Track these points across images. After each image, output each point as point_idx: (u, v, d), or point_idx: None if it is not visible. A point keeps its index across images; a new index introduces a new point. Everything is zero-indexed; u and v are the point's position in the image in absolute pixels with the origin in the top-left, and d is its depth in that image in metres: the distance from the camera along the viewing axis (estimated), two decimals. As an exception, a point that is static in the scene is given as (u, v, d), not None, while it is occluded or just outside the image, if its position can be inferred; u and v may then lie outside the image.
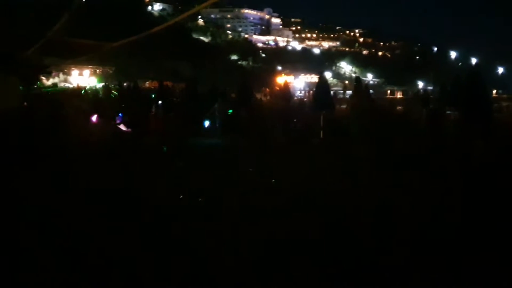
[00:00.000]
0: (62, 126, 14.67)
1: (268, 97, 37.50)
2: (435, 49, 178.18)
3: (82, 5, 10.13)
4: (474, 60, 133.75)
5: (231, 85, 41.91)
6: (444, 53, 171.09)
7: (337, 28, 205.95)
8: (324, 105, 15.01)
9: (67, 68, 50.67)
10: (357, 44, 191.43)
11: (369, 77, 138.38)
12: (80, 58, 23.92)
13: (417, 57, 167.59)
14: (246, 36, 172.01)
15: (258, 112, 20.78)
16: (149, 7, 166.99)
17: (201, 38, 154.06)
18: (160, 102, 23.43)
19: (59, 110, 18.98)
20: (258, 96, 34.26)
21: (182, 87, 34.86)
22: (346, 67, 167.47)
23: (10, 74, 20.75)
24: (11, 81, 21.64)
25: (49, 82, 48.82)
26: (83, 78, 52.93)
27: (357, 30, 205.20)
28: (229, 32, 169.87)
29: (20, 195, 7.02)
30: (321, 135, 14.51)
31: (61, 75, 55.19)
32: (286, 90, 22.41)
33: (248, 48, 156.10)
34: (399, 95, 74.93)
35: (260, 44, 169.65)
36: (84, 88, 40.17)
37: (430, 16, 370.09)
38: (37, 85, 33.24)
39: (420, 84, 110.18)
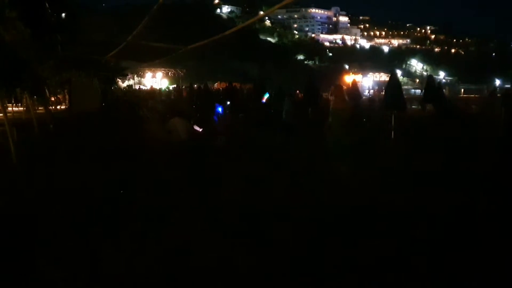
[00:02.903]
0: (138, 126, 15.43)
1: (335, 97, 36.81)
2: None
3: (159, 11, 10.64)
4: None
5: (298, 85, 41.87)
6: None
7: (407, 25, 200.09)
8: (395, 105, 14.61)
9: (142, 71, 52.89)
10: (428, 42, 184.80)
11: (442, 75, 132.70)
12: (154, 61, 25.00)
13: (493, 54, 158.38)
14: (313, 35, 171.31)
15: (326, 111, 20.56)
16: (218, 10, 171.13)
17: (268, 38, 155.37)
18: (228, 102, 23.85)
19: (135, 111, 19.99)
20: (325, 95, 33.87)
21: (250, 87, 35.27)
22: (417, 65, 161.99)
23: (93, 77, 22.23)
24: (94, 84, 23.17)
25: (124, 84, 51.29)
26: (156, 80, 55.02)
27: (428, 27, 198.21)
28: (295, 32, 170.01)
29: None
30: (392, 136, 14.15)
31: (135, 77, 57.80)
32: (354, 89, 21.98)
33: (315, 48, 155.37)
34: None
35: (327, 43, 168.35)
36: (159, 90, 41.78)
37: (507, 11, 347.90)
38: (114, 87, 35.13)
39: (497, 82, 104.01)
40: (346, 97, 9.19)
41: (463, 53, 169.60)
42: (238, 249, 5.07)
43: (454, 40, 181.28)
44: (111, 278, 4.37)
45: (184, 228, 5.77)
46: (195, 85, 35.85)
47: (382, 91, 47.67)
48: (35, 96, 15.06)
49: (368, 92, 63.25)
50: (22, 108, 25.99)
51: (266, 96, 23.60)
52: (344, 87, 39.99)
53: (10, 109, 24.54)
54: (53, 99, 32.91)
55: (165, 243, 5.26)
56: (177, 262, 4.75)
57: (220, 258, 4.81)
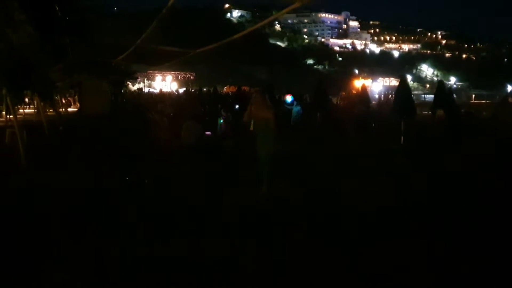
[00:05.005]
0: (147, 129, 15.46)
1: (345, 101, 36.85)
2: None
3: (168, 14, 10.63)
4: None
5: (307, 90, 41.83)
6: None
7: (418, 30, 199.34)
8: (405, 110, 14.50)
9: (151, 74, 53.26)
10: (439, 47, 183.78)
11: (453, 80, 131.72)
12: (164, 64, 25.07)
13: (505, 60, 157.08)
14: (323, 40, 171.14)
15: (335, 116, 20.56)
16: (228, 14, 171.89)
17: (278, 43, 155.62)
18: (237, 106, 23.78)
19: (144, 114, 20.01)
20: (335, 100, 33.83)
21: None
22: (427, 71, 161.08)
23: (102, 80, 22.33)
24: (103, 87, 23.26)
25: (134, 87, 51.68)
26: (165, 84, 55.36)
27: (439, 32, 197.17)
28: (305, 36, 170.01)
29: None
30: (402, 141, 14.05)
31: (145, 80, 58.23)
32: (364, 94, 21.91)
33: (325, 52, 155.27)
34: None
35: (337, 48, 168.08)
36: (169, 93, 41.92)
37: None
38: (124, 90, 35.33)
39: (509, 88, 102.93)
40: (268, 104, 7.78)
41: (474, 58, 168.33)
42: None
43: (466, 45, 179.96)
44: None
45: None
46: (205, 89, 35.95)
47: (389, 96, 47.37)
48: (44, 99, 15.17)
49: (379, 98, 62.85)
50: (33, 110, 26.26)
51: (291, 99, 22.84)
52: (354, 92, 39.54)
53: (21, 111, 24.88)
54: (63, 101, 33.27)
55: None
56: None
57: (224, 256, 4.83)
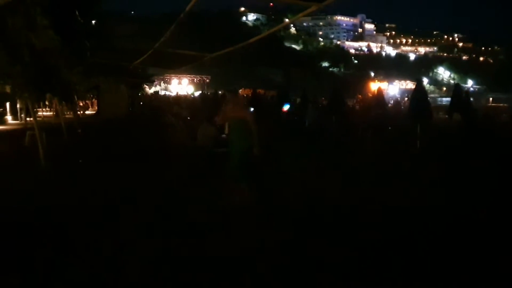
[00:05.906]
0: (164, 131, 15.66)
1: (361, 104, 36.73)
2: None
3: (185, 19, 10.77)
4: None
5: (323, 92, 41.77)
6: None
7: (434, 32, 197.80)
8: (421, 113, 14.40)
9: (168, 77, 53.74)
10: (456, 49, 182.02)
11: (470, 83, 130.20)
12: (180, 68, 25.32)
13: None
14: (338, 42, 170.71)
15: (350, 119, 20.53)
16: (244, 18, 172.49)
17: (293, 46, 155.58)
18: (252, 109, 23.84)
19: (161, 117, 20.25)
20: (350, 103, 33.70)
21: (273, 94, 35.33)
22: (444, 74, 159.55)
23: (120, 83, 22.68)
24: (121, 90, 23.62)
25: (151, 90, 52.16)
26: (181, 87, 55.77)
27: (456, 35, 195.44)
28: (321, 39, 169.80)
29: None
30: (418, 145, 13.96)
31: (162, 83, 58.79)
32: (380, 97, 21.81)
33: (340, 55, 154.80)
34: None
35: (352, 51, 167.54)
36: (185, 96, 42.23)
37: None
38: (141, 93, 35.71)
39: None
40: (243, 104, 7.15)
41: (491, 61, 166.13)
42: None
43: (483, 48, 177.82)
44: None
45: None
46: (220, 92, 36.11)
47: (404, 99, 46.96)
48: (64, 102, 15.43)
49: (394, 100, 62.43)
50: (52, 113, 26.69)
51: (287, 106, 23.60)
52: (370, 95, 39.27)
53: (40, 113, 25.30)
54: (81, 104, 33.77)
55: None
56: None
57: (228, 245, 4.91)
